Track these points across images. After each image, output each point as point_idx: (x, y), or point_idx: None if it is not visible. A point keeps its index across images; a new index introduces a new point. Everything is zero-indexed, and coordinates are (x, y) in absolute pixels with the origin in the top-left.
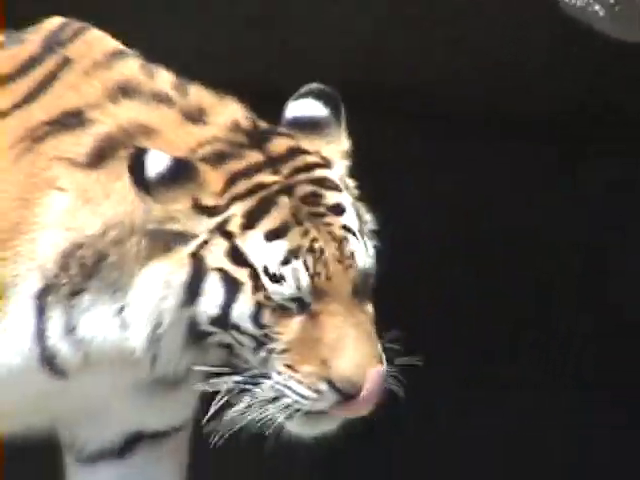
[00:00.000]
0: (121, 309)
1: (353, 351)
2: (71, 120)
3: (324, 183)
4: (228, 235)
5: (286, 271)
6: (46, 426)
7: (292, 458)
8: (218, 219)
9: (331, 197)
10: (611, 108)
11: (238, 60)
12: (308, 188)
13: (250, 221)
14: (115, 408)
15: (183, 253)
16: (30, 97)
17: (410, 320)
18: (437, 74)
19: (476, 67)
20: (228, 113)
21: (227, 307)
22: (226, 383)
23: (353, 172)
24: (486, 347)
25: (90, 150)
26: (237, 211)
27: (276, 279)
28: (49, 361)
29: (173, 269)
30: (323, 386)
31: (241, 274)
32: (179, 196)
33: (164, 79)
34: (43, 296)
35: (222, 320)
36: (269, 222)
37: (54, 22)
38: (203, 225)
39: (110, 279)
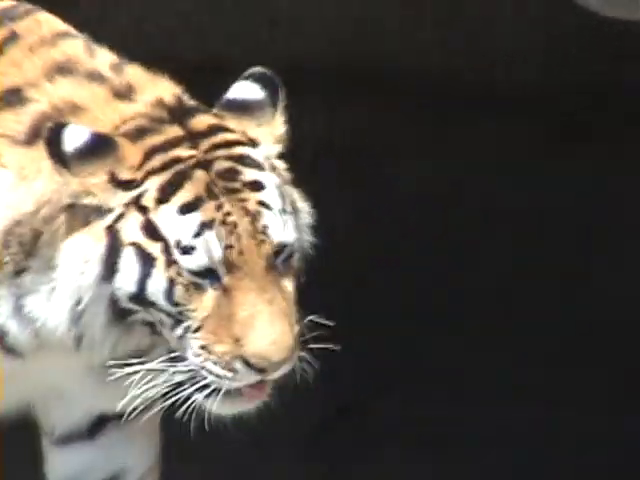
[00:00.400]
0: (53, 289)
1: (266, 328)
2: (12, 97)
3: (243, 160)
4: (143, 209)
5: (198, 243)
6: (17, 408)
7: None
8: (133, 193)
9: (249, 174)
10: (610, 87)
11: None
12: (225, 164)
13: (164, 195)
14: (75, 390)
15: (100, 227)
16: None
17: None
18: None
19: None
20: (156, 91)
21: (142, 283)
22: (140, 371)
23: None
24: None
25: (27, 129)
26: (152, 185)
27: (188, 251)
28: (0, 340)
29: (91, 243)
30: (238, 365)
31: (154, 248)
32: (96, 170)
33: (104, 59)
34: None
35: (139, 297)
36: (183, 196)
37: (7, 2)
38: (119, 199)
39: (46, 258)
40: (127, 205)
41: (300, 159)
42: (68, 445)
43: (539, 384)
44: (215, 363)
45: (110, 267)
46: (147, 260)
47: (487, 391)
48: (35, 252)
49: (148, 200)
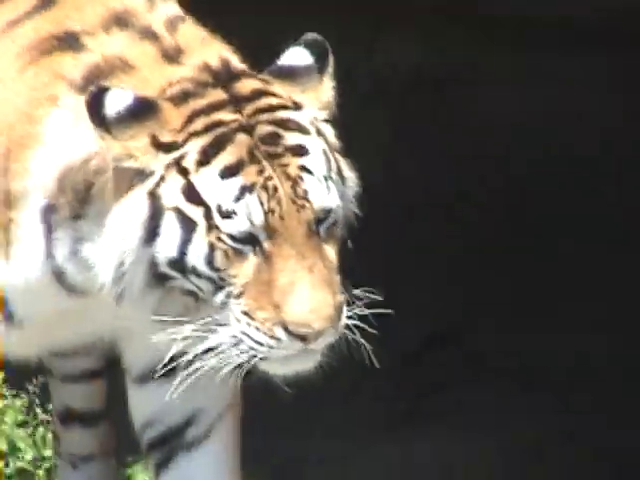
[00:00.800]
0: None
1: (305, 295)
2: (72, 41)
3: (287, 124)
4: (183, 171)
5: (239, 207)
6: (92, 344)
7: None
8: (175, 155)
9: (292, 138)
10: None
11: None
12: (268, 128)
13: (205, 157)
14: (142, 332)
15: (142, 191)
16: (41, 8)
17: None
18: None
19: None
20: (204, 54)
21: (183, 248)
22: (182, 333)
23: None
24: None
25: (81, 77)
26: (193, 147)
27: (229, 215)
28: (60, 278)
29: (133, 208)
30: (280, 332)
31: (195, 213)
32: (137, 133)
33: (161, 14)
34: (48, 213)
35: (179, 262)
36: (224, 159)
37: None
38: (160, 161)
39: (98, 210)
40: (168, 167)
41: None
42: (145, 385)
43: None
44: (257, 329)
45: (151, 231)
46: (188, 225)
47: (577, 324)
48: (89, 201)
49: (189, 162)
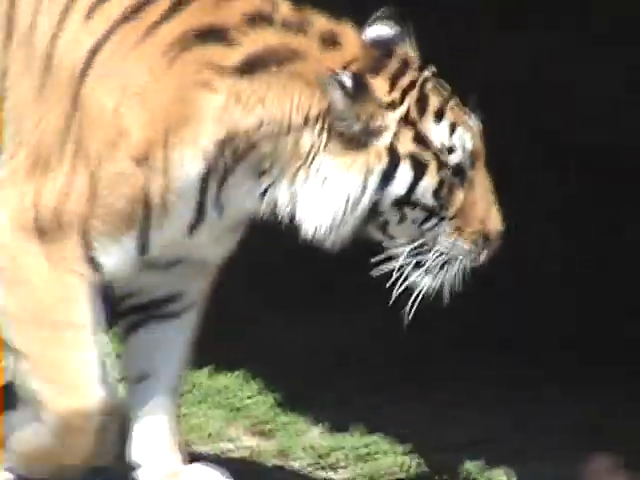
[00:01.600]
0: (265, 190)
1: (496, 210)
2: (217, 34)
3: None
4: (412, 123)
5: (455, 141)
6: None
7: None
8: (401, 109)
9: (445, 84)
10: None
11: None
12: (432, 80)
13: (421, 108)
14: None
15: (379, 147)
16: (175, 9)
17: None
18: None
19: None
20: (351, 35)
21: (413, 187)
22: (401, 254)
23: None
24: None
25: (239, 63)
26: (411, 101)
27: (450, 151)
28: (196, 226)
29: (372, 162)
30: (480, 240)
31: (427, 155)
32: (367, 101)
33: (285, 9)
34: (205, 176)
35: (403, 200)
36: (433, 106)
37: None
38: (391, 118)
39: (257, 165)
40: (399, 122)
41: None
42: (152, 268)
43: None
44: (465, 240)
45: (386, 179)
46: (420, 167)
47: None
48: (244, 159)
49: (413, 114)
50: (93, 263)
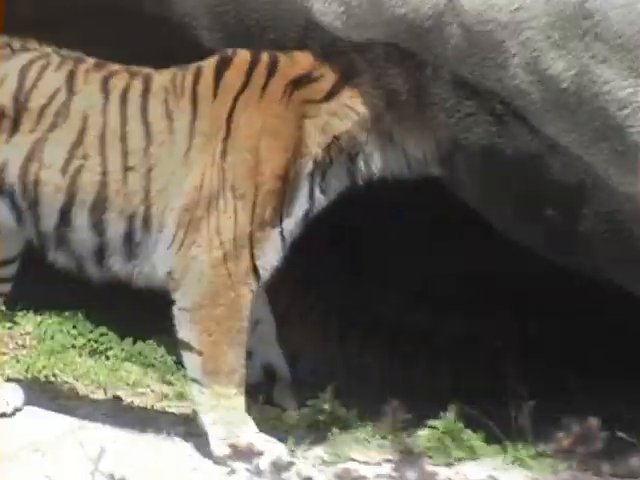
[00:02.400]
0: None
1: None
2: (306, 78)
3: None
4: None
5: None
6: None
7: None
8: None
9: None
10: None
11: None
12: None
13: None
14: None
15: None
16: (270, 73)
17: None
18: None
19: None
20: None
21: None
22: None
23: None
24: None
25: (325, 92)
26: None
27: None
28: (309, 212)
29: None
30: None
31: None
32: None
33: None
34: (313, 174)
35: None
36: None
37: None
38: None
39: (344, 161)
40: None
41: None
42: None
43: None
44: None
45: None
46: None
47: None
48: (340, 153)
49: None
50: (256, 271)
